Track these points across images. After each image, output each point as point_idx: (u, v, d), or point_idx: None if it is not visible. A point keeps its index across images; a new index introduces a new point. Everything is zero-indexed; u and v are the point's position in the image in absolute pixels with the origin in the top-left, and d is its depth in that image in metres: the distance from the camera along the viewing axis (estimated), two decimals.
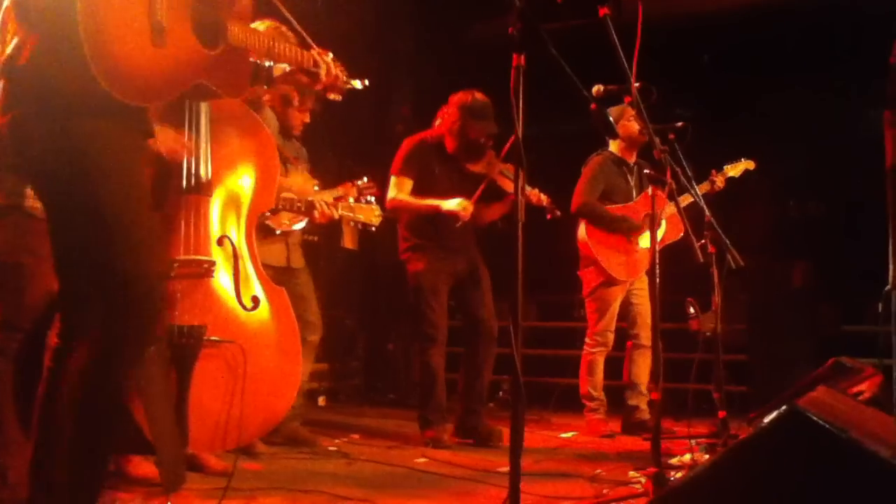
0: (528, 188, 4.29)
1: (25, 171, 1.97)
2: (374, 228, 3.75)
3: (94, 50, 1.75)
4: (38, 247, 2.37)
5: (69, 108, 1.81)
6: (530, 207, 4.31)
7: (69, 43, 1.74)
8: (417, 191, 4.25)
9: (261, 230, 3.47)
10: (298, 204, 3.50)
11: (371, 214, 3.69)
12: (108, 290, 1.85)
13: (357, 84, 2.74)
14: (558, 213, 4.51)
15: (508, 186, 4.23)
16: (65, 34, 1.75)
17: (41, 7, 1.79)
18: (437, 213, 4.16)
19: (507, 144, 3.96)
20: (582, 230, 4.67)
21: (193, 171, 2.84)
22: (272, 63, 3.48)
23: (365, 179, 3.90)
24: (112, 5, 1.81)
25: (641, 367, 4.62)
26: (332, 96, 2.71)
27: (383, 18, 6.84)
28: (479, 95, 4.23)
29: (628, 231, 4.61)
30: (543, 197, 4.36)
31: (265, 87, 3.43)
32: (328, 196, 3.64)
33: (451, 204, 4.11)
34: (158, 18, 1.87)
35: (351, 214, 3.63)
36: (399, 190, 4.24)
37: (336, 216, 3.57)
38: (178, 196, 2.82)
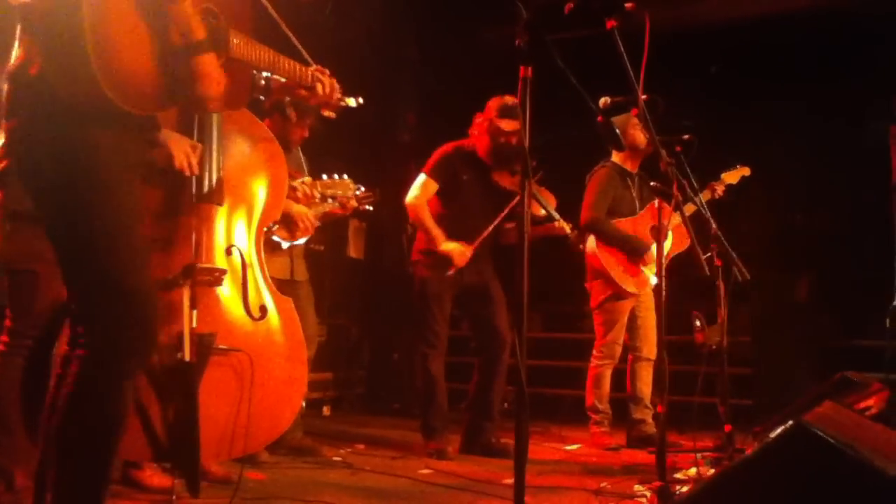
0: (558, 218, 4.34)
1: (23, 174, 1.96)
2: (352, 202, 3.78)
3: (100, 60, 1.76)
4: (48, 253, 2.38)
5: (75, 117, 1.81)
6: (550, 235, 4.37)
7: (74, 53, 1.75)
8: (443, 196, 4.27)
9: (266, 244, 3.49)
10: None
11: (346, 187, 3.73)
12: (101, 302, 1.86)
13: (351, 102, 2.76)
14: (582, 247, 4.56)
15: (537, 210, 4.25)
16: (70, 44, 1.75)
17: (46, 18, 1.80)
18: (457, 222, 4.17)
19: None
20: (591, 242, 4.64)
21: (205, 179, 2.85)
22: (270, 74, 3.49)
23: (362, 189, 3.91)
24: (116, 15, 1.81)
25: (645, 381, 4.60)
26: (325, 113, 2.72)
27: (388, 26, 6.86)
28: (509, 97, 4.27)
29: (635, 253, 4.57)
30: (568, 228, 4.37)
31: (262, 97, 3.47)
32: (307, 180, 3.69)
33: (449, 246, 4.13)
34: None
35: (329, 191, 3.69)
36: (423, 191, 4.26)
37: (317, 195, 3.63)
38: (189, 204, 2.83)
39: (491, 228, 4.14)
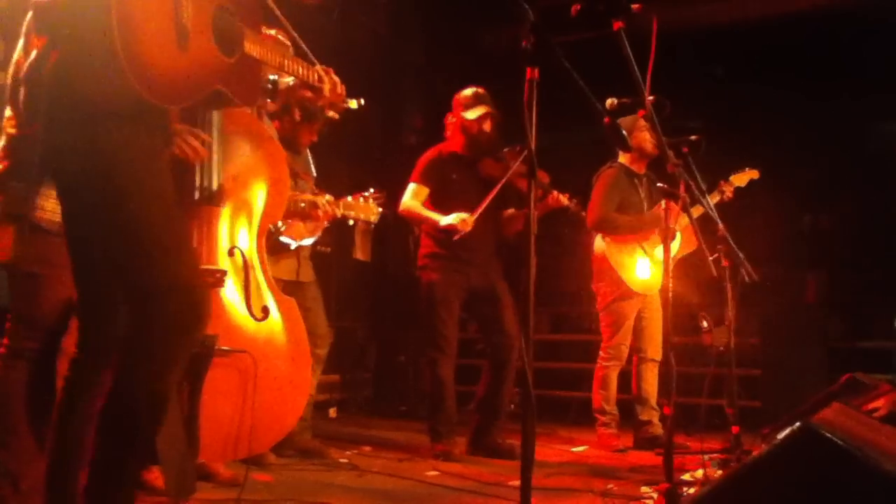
0: (552, 191, 4.31)
1: (53, 180, 1.96)
2: (372, 225, 3.79)
3: (127, 52, 1.77)
4: (53, 256, 2.38)
5: (98, 114, 1.81)
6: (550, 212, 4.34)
7: (101, 47, 1.75)
8: (437, 199, 4.28)
9: (274, 245, 3.48)
10: (302, 203, 3.52)
11: (369, 211, 3.72)
12: (141, 303, 1.83)
13: (353, 104, 2.78)
14: (584, 214, 4.51)
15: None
16: (97, 39, 1.75)
17: (68, 15, 1.80)
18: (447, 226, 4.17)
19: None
20: (599, 243, 4.63)
21: (206, 180, 2.84)
22: (277, 77, 3.52)
23: (371, 190, 3.91)
24: (142, 8, 1.83)
25: (650, 382, 4.59)
26: (330, 114, 2.74)
27: (394, 29, 6.88)
28: (468, 89, 4.32)
29: (650, 227, 4.51)
30: (563, 197, 4.34)
31: (269, 100, 3.48)
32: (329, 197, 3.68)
33: (448, 219, 4.13)
34: (184, 22, 1.89)
35: (352, 213, 3.66)
36: (413, 197, 4.30)
37: (339, 214, 3.61)
38: (189, 206, 2.81)
39: (490, 198, 4.10)
